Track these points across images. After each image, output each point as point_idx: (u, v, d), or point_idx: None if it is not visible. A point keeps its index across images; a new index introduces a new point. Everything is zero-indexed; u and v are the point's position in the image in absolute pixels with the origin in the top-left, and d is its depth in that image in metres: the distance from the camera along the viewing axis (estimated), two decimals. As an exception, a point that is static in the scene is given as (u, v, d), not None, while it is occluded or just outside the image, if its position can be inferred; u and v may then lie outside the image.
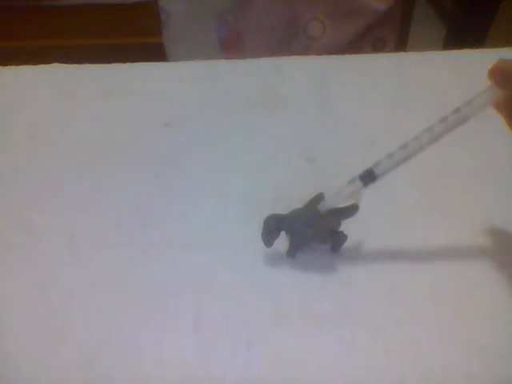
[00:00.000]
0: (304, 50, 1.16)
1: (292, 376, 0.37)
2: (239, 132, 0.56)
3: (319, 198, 0.42)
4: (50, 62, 0.65)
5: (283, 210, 0.42)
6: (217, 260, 0.44)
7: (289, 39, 1.16)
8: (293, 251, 0.43)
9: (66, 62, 0.65)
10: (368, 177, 0.40)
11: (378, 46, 1.19)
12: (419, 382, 0.37)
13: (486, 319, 0.39)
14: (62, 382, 0.37)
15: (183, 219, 0.48)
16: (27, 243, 0.46)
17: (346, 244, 0.43)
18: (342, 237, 0.43)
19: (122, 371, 0.38)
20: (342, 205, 0.41)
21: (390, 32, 1.17)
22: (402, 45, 1.21)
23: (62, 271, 0.44)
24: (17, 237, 0.47)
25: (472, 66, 0.62)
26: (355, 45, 1.16)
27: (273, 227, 0.41)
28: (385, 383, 0.37)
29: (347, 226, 0.42)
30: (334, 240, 0.43)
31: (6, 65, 0.65)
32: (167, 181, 0.51)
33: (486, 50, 0.65)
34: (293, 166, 0.53)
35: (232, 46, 1.19)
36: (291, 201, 0.43)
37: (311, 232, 0.41)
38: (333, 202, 0.41)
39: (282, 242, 0.43)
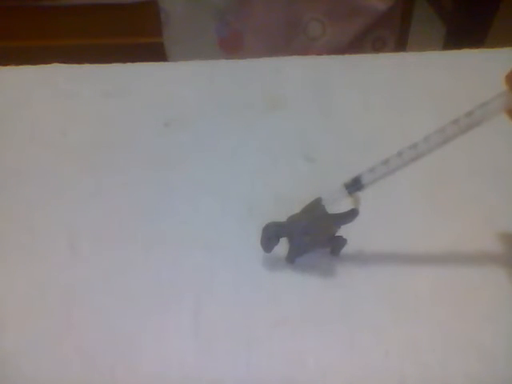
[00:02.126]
0: (304, 50, 1.16)
1: (292, 376, 0.37)
2: (239, 132, 0.56)
3: (317, 202, 0.41)
4: (49, 62, 0.65)
5: (283, 210, 0.42)
6: (217, 260, 0.44)
7: (289, 39, 1.16)
8: (292, 257, 0.43)
9: (65, 62, 0.65)
10: (354, 185, 0.40)
11: (378, 46, 1.19)
12: (419, 382, 0.37)
13: (486, 319, 0.40)
14: (62, 382, 0.38)
15: (183, 219, 0.48)
16: (27, 243, 0.46)
17: (346, 245, 0.43)
18: (342, 241, 0.43)
19: (122, 371, 0.38)
20: (341, 210, 0.41)
21: (390, 32, 1.17)
22: (401, 45, 1.21)
23: (61, 271, 0.44)
24: (17, 237, 0.47)
25: (472, 66, 0.62)
26: (355, 45, 1.16)
27: (272, 235, 0.41)
28: (385, 383, 0.37)
29: (347, 228, 0.42)
30: (334, 244, 0.43)
31: (6, 65, 0.65)
32: (167, 181, 0.51)
33: (485, 50, 0.65)
34: (293, 166, 0.53)
35: (232, 46, 1.19)
36: (291, 201, 0.42)
37: (310, 239, 0.41)
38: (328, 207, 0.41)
39: (281, 244, 0.43)
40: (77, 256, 0.45)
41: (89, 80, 0.64)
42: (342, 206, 0.41)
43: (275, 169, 0.52)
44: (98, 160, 0.54)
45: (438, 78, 0.62)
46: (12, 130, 0.58)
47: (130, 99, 0.61)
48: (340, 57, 0.66)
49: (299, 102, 0.60)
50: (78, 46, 1.24)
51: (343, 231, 0.42)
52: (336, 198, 0.40)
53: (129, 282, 0.43)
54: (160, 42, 1.19)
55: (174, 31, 1.17)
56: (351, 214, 0.41)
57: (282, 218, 0.42)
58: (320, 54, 0.67)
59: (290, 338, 0.39)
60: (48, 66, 0.65)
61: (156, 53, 1.17)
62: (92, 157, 0.54)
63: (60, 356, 0.38)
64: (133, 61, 0.65)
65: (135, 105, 0.60)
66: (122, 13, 1.21)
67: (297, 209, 0.42)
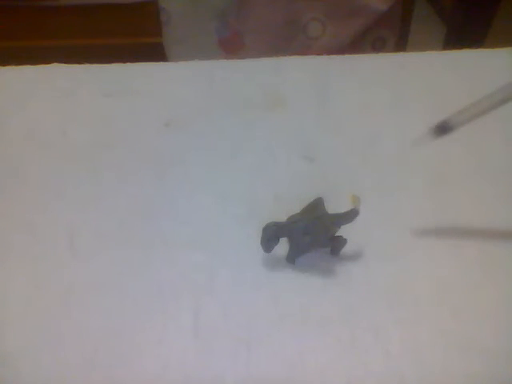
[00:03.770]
0: (304, 50, 1.16)
1: (292, 376, 0.37)
2: (239, 132, 0.56)
3: (317, 202, 0.41)
4: (49, 62, 0.64)
5: (283, 210, 0.42)
6: (217, 260, 0.44)
7: (289, 39, 1.16)
8: (292, 257, 0.43)
9: (65, 62, 0.65)
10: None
11: (378, 46, 1.19)
12: (419, 382, 0.37)
13: (486, 319, 0.40)
14: (62, 382, 0.38)
15: (183, 219, 0.48)
16: (27, 243, 0.46)
17: (346, 245, 0.43)
18: (342, 241, 0.43)
19: (122, 371, 0.38)
20: (341, 210, 0.41)
21: (390, 32, 1.17)
22: (401, 45, 1.21)
23: (62, 271, 0.44)
24: (17, 237, 0.47)
25: (472, 66, 0.62)
26: (355, 45, 1.16)
27: (272, 235, 0.41)
28: (385, 383, 0.37)
29: (347, 228, 0.42)
30: (334, 244, 0.43)
31: (5, 65, 0.65)
32: (167, 181, 0.51)
33: (486, 50, 0.65)
34: (292, 166, 0.53)
35: (232, 46, 1.19)
36: (291, 201, 0.43)
37: (310, 239, 0.41)
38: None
39: (282, 244, 0.43)
40: (76, 256, 0.45)
41: (89, 80, 0.64)
42: (342, 206, 0.41)
43: (275, 169, 0.52)
44: (98, 160, 0.54)
45: (438, 78, 0.62)
46: (12, 130, 0.58)
47: (130, 99, 0.61)
48: (340, 57, 0.66)
49: (299, 102, 0.60)
50: (78, 46, 1.24)
51: (343, 231, 0.42)
52: (424, 141, 0.40)
53: (129, 282, 0.43)
54: (160, 42, 1.19)
55: (174, 31, 1.17)
56: (351, 214, 0.41)
57: (282, 218, 0.42)
58: (320, 53, 0.67)
59: (289, 338, 0.39)
60: (48, 65, 0.65)
61: (156, 53, 1.17)
62: (92, 157, 0.54)
63: (60, 356, 0.38)
64: (133, 61, 0.65)
65: (135, 105, 0.60)
66: (122, 13, 1.20)
67: (297, 209, 0.42)
